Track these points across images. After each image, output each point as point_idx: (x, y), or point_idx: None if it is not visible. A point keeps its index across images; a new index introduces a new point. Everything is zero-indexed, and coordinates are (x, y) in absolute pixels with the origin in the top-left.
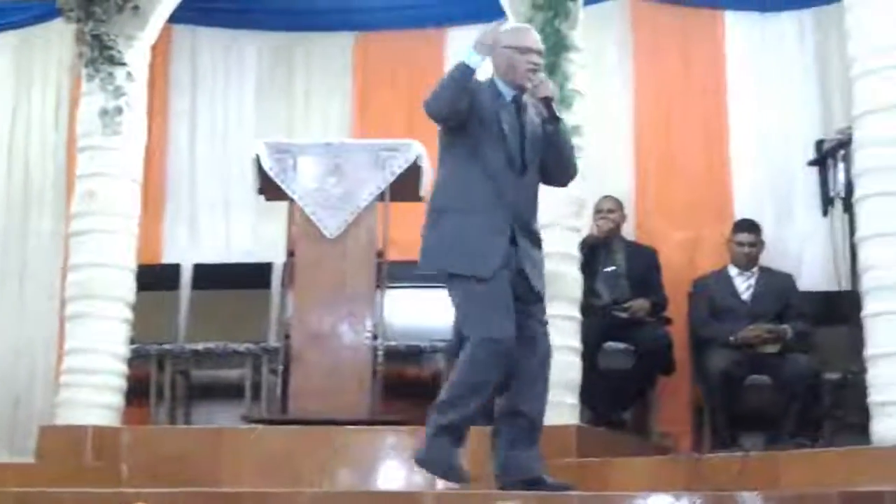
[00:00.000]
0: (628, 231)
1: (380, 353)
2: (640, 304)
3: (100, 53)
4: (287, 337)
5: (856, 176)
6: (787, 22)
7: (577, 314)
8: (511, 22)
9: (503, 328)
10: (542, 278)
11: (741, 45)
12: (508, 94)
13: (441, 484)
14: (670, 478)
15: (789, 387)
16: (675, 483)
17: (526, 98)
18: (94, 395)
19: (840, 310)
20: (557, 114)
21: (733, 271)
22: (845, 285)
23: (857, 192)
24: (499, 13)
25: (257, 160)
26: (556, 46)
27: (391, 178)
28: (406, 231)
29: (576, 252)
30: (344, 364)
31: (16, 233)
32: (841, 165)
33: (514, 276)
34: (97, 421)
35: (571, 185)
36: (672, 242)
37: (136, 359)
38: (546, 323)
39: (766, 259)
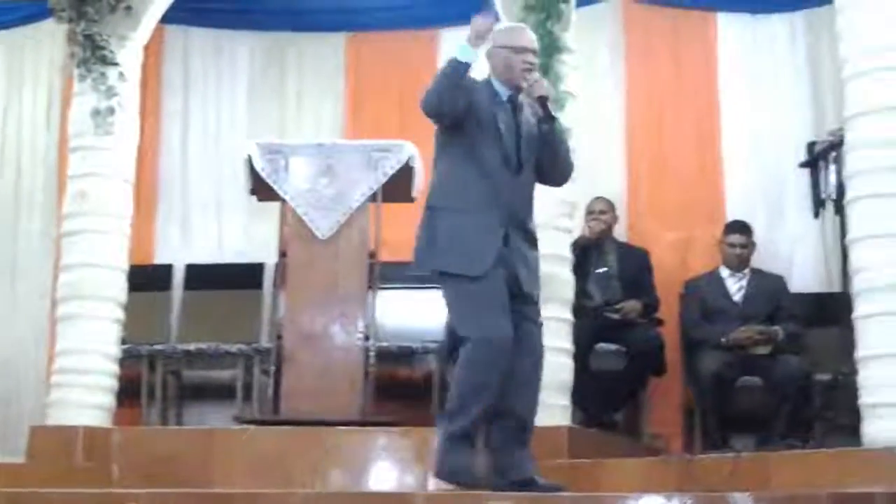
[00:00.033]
0: (620, 232)
1: (371, 353)
2: (632, 306)
3: (92, 53)
4: (279, 337)
5: (847, 178)
6: (778, 24)
7: (569, 315)
8: (504, 22)
9: (499, 327)
10: (538, 279)
11: (733, 47)
12: (504, 93)
13: (432, 485)
14: (662, 479)
15: (780, 388)
16: (666, 484)
17: (522, 98)
18: (85, 395)
19: (831, 311)
20: (553, 113)
21: (725, 273)
22: (836, 287)
23: (849, 194)
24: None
25: (249, 161)
26: (549, 48)
27: (383, 179)
28: (398, 232)
29: (567, 253)
30: (336, 365)
31: (6, 233)
32: (832, 167)
33: (509, 277)
34: (88, 421)
35: (563, 186)
36: (664, 243)
37: (128, 359)
38: (540, 324)
39: (757, 260)
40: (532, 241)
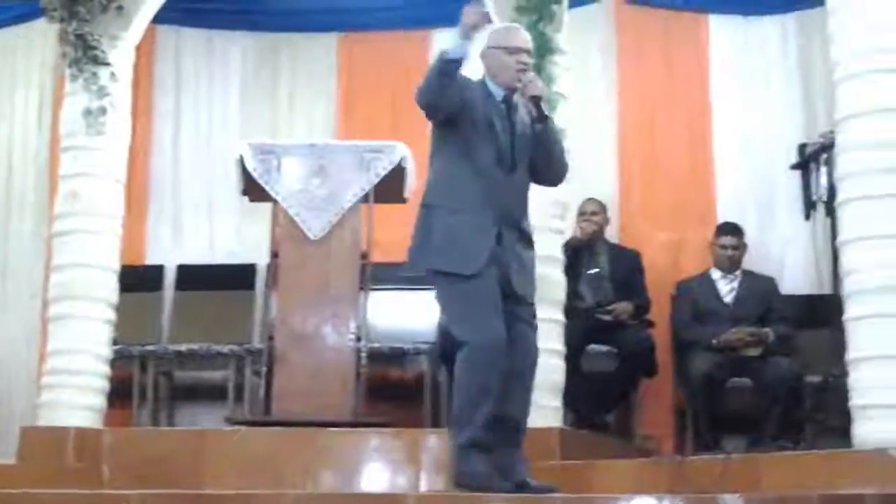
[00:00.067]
0: (612, 234)
1: (363, 354)
2: (624, 307)
3: (83, 53)
4: (270, 338)
5: (838, 180)
6: (770, 26)
7: (561, 316)
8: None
9: (493, 328)
10: (532, 279)
11: (725, 49)
12: (499, 94)
13: (424, 485)
14: (653, 480)
15: (771, 390)
16: (657, 485)
17: (516, 98)
18: (76, 396)
19: (822, 313)
20: (546, 113)
21: (716, 274)
22: (827, 289)
23: (840, 196)
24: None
25: (241, 161)
26: (541, 50)
27: (375, 180)
28: (390, 233)
29: (559, 254)
30: (327, 366)
31: None
32: (823, 169)
33: (502, 277)
34: (79, 422)
35: (557, 186)
36: (655, 245)
37: (119, 360)
38: (535, 326)
39: (748, 262)
40: (527, 241)
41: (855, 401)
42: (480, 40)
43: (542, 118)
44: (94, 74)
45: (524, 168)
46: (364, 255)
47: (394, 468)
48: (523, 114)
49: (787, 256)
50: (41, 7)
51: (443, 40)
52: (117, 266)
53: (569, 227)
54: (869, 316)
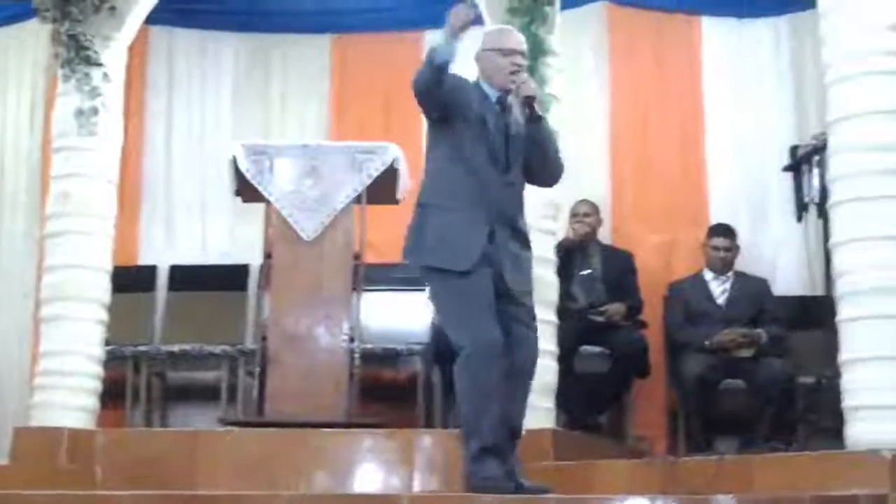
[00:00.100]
0: (604, 235)
1: (356, 355)
2: (616, 308)
3: (76, 54)
4: (263, 339)
5: (830, 181)
6: (762, 28)
7: (553, 318)
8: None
9: (489, 331)
10: (529, 280)
11: (717, 51)
12: (494, 95)
13: (418, 486)
14: (646, 481)
15: (763, 391)
16: (650, 486)
17: (510, 99)
18: (69, 397)
19: (814, 314)
20: (540, 113)
21: (708, 275)
22: (819, 290)
23: (832, 198)
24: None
25: (234, 162)
26: (533, 51)
27: (368, 181)
28: (383, 234)
29: (552, 255)
30: (320, 366)
31: None
32: (815, 171)
33: (496, 276)
34: (72, 423)
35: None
36: (648, 246)
37: (112, 361)
38: (534, 327)
39: (741, 264)
40: (523, 241)
41: (847, 402)
42: (469, 40)
43: (535, 119)
44: (87, 75)
45: (518, 168)
46: (357, 256)
47: (387, 469)
48: (518, 114)
49: (779, 258)
50: (33, 7)
51: (433, 42)
52: (110, 267)
53: (561, 229)
54: (861, 317)
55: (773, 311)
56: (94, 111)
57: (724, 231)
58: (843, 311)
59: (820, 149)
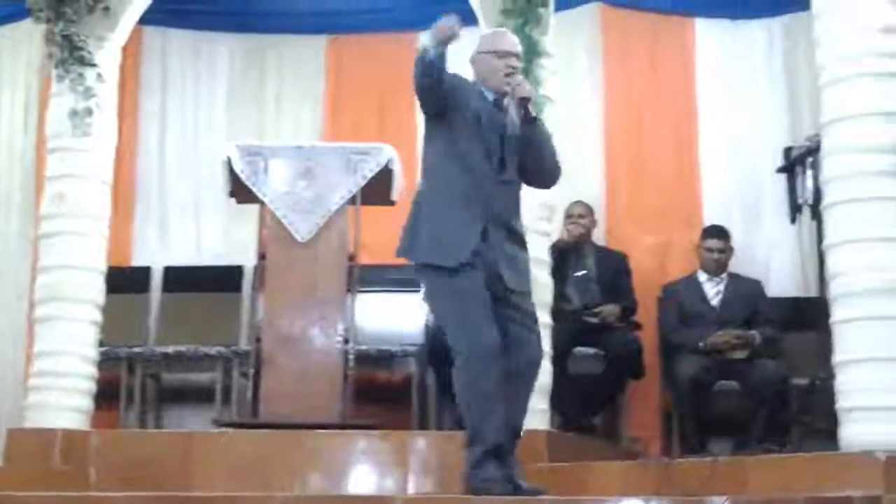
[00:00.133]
0: (599, 236)
1: (351, 357)
2: (611, 310)
3: (70, 54)
4: (258, 340)
5: (824, 183)
6: (756, 30)
7: (548, 319)
8: (484, 28)
9: (486, 334)
10: (528, 280)
11: (711, 52)
12: (491, 96)
13: (412, 488)
14: (640, 482)
15: (757, 392)
16: (644, 487)
17: (507, 101)
18: (63, 398)
19: (808, 316)
20: (535, 114)
21: (703, 277)
22: (813, 291)
23: (826, 200)
24: (471, 18)
25: (228, 162)
26: (528, 52)
27: (362, 182)
28: (377, 235)
29: (546, 256)
30: (315, 368)
31: None
32: (809, 173)
33: (490, 276)
34: (66, 424)
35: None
36: (642, 248)
37: (106, 362)
38: (535, 329)
39: (734, 265)
40: (519, 241)
41: (841, 403)
42: (465, 42)
43: (530, 120)
44: (81, 75)
45: (514, 169)
46: (351, 258)
47: (381, 470)
48: (514, 115)
49: (773, 259)
50: (27, 8)
51: (420, 41)
52: (104, 267)
53: (555, 230)
54: (855, 319)
55: (766, 312)
56: (89, 112)
57: (718, 233)
58: (837, 313)
59: (814, 150)
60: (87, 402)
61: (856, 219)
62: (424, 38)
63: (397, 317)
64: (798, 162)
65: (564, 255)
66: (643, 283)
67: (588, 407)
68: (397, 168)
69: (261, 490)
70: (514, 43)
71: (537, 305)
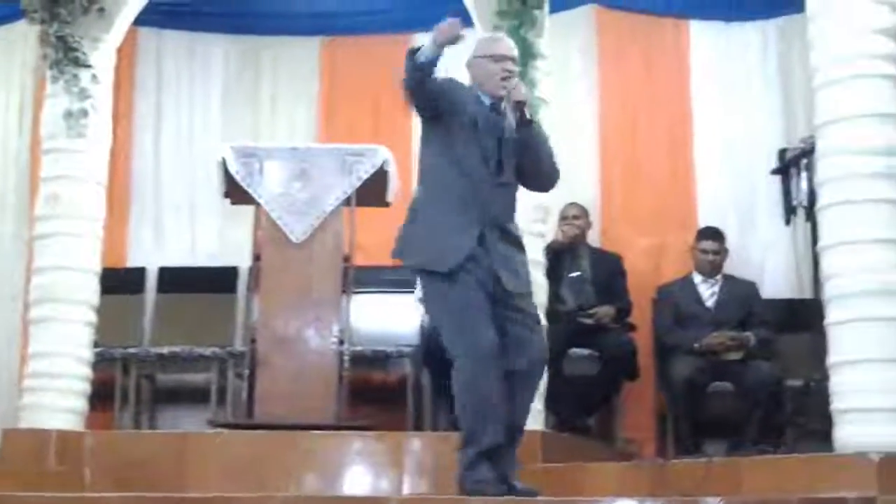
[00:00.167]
0: (593, 238)
1: (346, 357)
2: (606, 311)
3: (64, 55)
4: (253, 341)
5: (818, 185)
6: (751, 32)
7: (543, 320)
8: (479, 29)
9: (483, 337)
10: (527, 282)
11: (705, 54)
12: (487, 100)
13: (407, 488)
14: (635, 483)
15: (752, 394)
16: (639, 488)
17: (504, 104)
18: (58, 399)
19: (803, 317)
20: (530, 117)
21: (697, 279)
22: (808, 293)
23: (820, 201)
24: (466, 20)
25: (223, 164)
26: (522, 54)
27: (357, 184)
28: (372, 236)
29: (541, 258)
30: (310, 369)
31: None
32: (804, 174)
33: (487, 279)
34: (61, 425)
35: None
36: (637, 249)
37: (101, 362)
38: (537, 329)
39: (729, 267)
40: (515, 243)
41: (835, 405)
42: (462, 46)
43: (525, 123)
44: (75, 76)
45: (511, 172)
46: (346, 259)
47: (377, 471)
48: (512, 118)
49: (767, 261)
50: (22, 9)
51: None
52: (98, 268)
53: (550, 231)
54: (850, 320)
55: (761, 314)
56: (84, 113)
57: (713, 234)
58: (832, 314)
59: (808, 152)
60: (81, 403)
61: (850, 220)
62: (427, 41)
63: (392, 318)
64: (792, 164)
65: (559, 257)
66: (638, 285)
67: (583, 408)
68: (392, 169)
69: (256, 491)
70: (510, 47)
71: None
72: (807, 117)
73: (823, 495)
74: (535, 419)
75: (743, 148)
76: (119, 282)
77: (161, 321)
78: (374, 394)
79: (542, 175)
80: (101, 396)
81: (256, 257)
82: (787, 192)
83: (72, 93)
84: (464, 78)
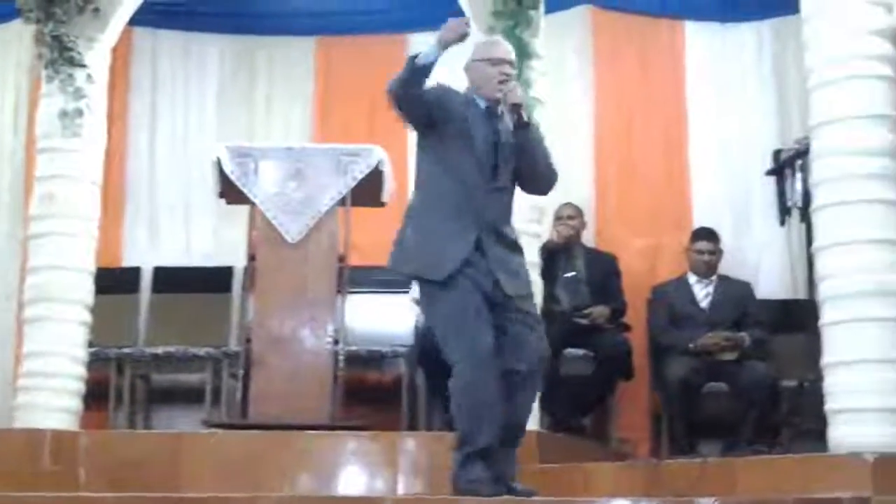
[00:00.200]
0: (588, 238)
1: (341, 357)
2: (601, 311)
3: (60, 55)
4: (248, 341)
5: (813, 186)
6: (746, 32)
7: None
8: (475, 30)
9: (480, 342)
10: (526, 283)
11: (700, 55)
12: (483, 104)
13: (402, 488)
14: (630, 483)
15: (747, 394)
16: (634, 489)
17: (500, 108)
18: (52, 398)
19: (797, 318)
20: (527, 120)
21: (692, 279)
22: (802, 294)
23: (815, 202)
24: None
25: (218, 163)
26: (518, 55)
27: (352, 184)
28: (367, 236)
29: (536, 258)
30: (305, 369)
31: None
32: (798, 175)
33: (485, 282)
34: (55, 425)
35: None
36: (632, 250)
37: (95, 362)
38: (536, 328)
39: (724, 267)
40: (512, 246)
41: (830, 405)
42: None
43: (522, 126)
44: (71, 76)
45: (507, 176)
46: (341, 259)
47: (371, 471)
48: (508, 122)
49: (762, 261)
50: (17, 8)
51: (420, 45)
52: (93, 268)
53: (545, 231)
54: (844, 321)
55: (756, 314)
56: (79, 112)
57: (708, 235)
58: (826, 315)
59: (803, 153)
60: (76, 403)
61: (845, 221)
62: (430, 43)
63: (387, 318)
64: (787, 164)
65: (554, 257)
66: (633, 285)
67: (578, 408)
68: (387, 170)
69: (250, 491)
70: (507, 51)
71: None
72: (801, 118)
73: (818, 496)
74: (531, 419)
75: (738, 148)
76: (114, 281)
77: (156, 321)
78: (369, 394)
79: (538, 177)
80: (96, 396)
81: (251, 257)
82: (781, 193)
83: (67, 92)
84: (460, 80)
